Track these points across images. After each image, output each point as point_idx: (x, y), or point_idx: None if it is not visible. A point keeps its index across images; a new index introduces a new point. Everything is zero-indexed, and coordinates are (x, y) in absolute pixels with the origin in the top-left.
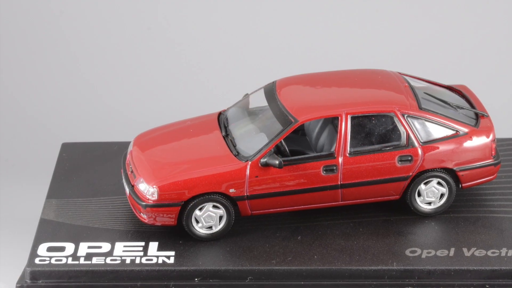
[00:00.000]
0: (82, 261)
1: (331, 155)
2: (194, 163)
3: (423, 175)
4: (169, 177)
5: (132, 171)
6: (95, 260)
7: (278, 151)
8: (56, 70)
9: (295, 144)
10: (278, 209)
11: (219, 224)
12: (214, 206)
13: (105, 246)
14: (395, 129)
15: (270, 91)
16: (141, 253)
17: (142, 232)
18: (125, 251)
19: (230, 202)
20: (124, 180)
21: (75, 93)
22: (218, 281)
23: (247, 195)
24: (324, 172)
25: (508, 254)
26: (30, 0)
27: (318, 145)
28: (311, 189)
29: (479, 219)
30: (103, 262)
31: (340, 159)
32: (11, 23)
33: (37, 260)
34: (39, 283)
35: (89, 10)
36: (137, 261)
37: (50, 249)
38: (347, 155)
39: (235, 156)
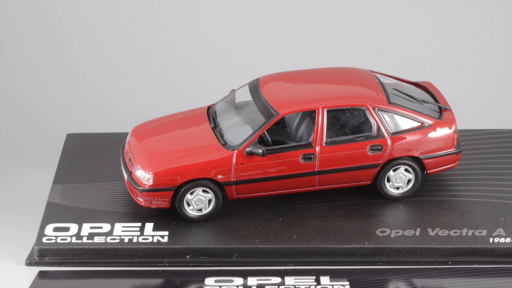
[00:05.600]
0: (85, 240)
1: (309, 145)
2: (185, 152)
3: (392, 163)
4: (163, 164)
5: (130, 159)
6: (96, 239)
7: (262, 141)
8: (61, 68)
9: (276, 135)
10: (262, 194)
11: (208, 207)
12: (203, 191)
13: (106, 227)
14: (366, 121)
15: (254, 87)
16: (138, 233)
17: (139, 214)
18: (124, 231)
19: (218, 187)
20: (122, 167)
21: (78, 89)
22: (207, 258)
23: (233, 180)
24: (303, 160)
25: (469, 234)
26: (40, 6)
27: (298, 135)
28: (291, 175)
29: (442, 202)
30: (104, 241)
31: (317, 148)
32: (23, 25)
33: (44, 239)
34: (46, 260)
35: (92, 14)
36: (134, 240)
37: (56, 229)
38: (324, 144)
39: (223, 145)
